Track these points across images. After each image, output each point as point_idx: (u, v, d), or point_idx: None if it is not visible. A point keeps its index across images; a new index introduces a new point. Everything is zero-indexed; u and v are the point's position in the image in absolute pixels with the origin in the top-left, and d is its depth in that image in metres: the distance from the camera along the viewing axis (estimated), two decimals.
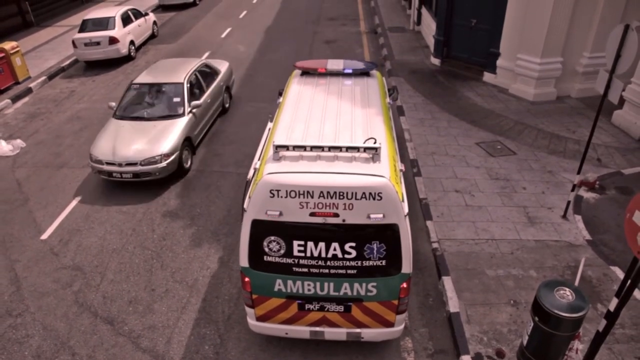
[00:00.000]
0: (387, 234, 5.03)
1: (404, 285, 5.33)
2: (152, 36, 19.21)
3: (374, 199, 4.85)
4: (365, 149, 4.98)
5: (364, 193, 4.82)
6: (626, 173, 9.42)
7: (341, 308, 5.57)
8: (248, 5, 24.32)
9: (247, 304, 5.70)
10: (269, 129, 6.56)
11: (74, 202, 9.26)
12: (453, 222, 8.11)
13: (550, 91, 12.44)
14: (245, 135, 11.32)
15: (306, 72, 7.63)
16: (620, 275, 6.92)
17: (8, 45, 14.87)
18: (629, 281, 4.38)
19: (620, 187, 9.04)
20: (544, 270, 7.05)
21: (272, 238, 5.15)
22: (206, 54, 17.01)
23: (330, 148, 5.00)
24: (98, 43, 15.95)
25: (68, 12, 24.10)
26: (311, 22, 20.62)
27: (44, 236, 8.42)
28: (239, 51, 17.25)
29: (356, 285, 5.36)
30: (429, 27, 16.38)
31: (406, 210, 5.10)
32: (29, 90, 14.82)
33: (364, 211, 4.90)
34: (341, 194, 4.83)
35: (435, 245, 7.61)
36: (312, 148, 5.00)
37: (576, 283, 5.35)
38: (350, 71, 7.49)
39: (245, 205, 5.15)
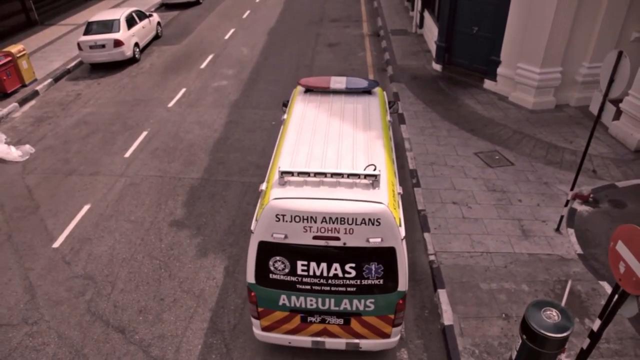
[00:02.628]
0: (385, 256, 5.37)
1: (400, 301, 5.72)
2: (157, 37, 19.40)
3: (372, 224, 5.18)
4: (366, 176, 5.30)
5: (363, 219, 5.15)
6: (620, 186, 9.66)
7: (341, 321, 5.96)
8: (251, 4, 24.44)
9: (253, 316, 6.08)
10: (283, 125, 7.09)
11: (83, 210, 9.56)
12: (450, 234, 8.40)
13: (550, 100, 12.65)
14: (250, 143, 11.58)
15: (310, 90, 7.90)
16: (609, 290, 7.21)
17: (15, 48, 15.10)
18: (612, 304, 4.69)
19: (613, 200, 9.30)
20: (536, 284, 7.35)
21: (278, 258, 5.49)
22: (210, 57, 17.23)
23: (333, 174, 5.32)
24: (103, 46, 16.17)
25: (72, 10, 24.19)
26: (314, 23, 20.75)
27: (56, 244, 8.73)
28: (243, 54, 17.45)
29: (355, 301, 5.73)
30: (431, 31, 16.57)
31: (403, 234, 5.42)
32: (35, 93, 15.06)
33: (363, 235, 5.23)
34: (342, 219, 5.17)
35: (432, 257, 7.91)
36: (316, 174, 5.32)
37: (563, 303, 5.65)
38: (355, 87, 7.77)
39: (252, 228, 5.49)
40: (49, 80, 15.79)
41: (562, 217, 8.47)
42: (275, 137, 11.42)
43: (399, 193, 5.94)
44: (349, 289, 5.63)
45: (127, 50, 16.53)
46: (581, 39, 12.10)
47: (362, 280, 5.56)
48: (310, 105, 7.35)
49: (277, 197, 5.24)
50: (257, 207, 5.73)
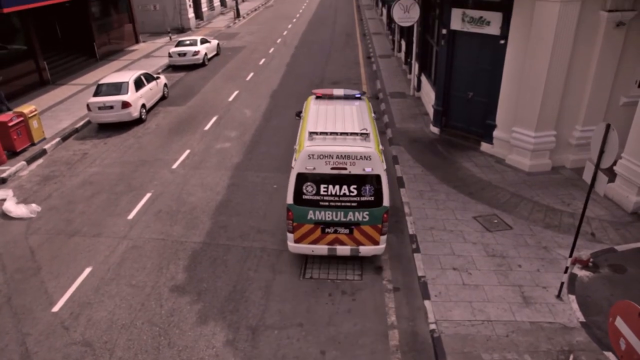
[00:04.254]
0: (374, 180, 8.59)
1: (385, 215, 8.80)
2: (163, 98, 20.03)
3: (366, 159, 8.48)
4: (361, 134, 8.75)
5: (360, 156, 8.46)
6: (619, 250, 9.73)
7: (347, 231, 8.95)
8: (255, 67, 25.35)
9: (288, 230, 9.09)
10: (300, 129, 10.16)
11: (85, 273, 9.59)
12: (450, 302, 8.39)
13: (545, 162, 12.93)
14: (252, 207, 11.75)
15: (319, 97, 11.14)
16: None
17: (27, 109, 15.60)
18: None
19: (613, 264, 9.33)
20: (538, 355, 7.27)
21: (308, 183, 8.67)
22: (214, 118, 17.74)
23: (341, 133, 8.81)
24: (111, 107, 16.70)
25: (83, 70, 25.02)
26: (315, 85, 21.43)
27: (55, 308, 8.70)
28: (246, 116, 17.98)
29: (356, 213, 8.79)
30: (428, 94, 17.13)
31: (384, 167, 8.72)
32: (43, 152, 15.40)
33: (361, 166, 8.50)
34: (348, 156, 8.46)
35: (432, 326, 7.87)
36: (331, 133, 8.81)
37: None
38: (350, 94, 11.12)
39: (293, 165, 8.81)
40: (57, 139, 16.18)
41: (562, 283, 8.49)
42: (277, 201, 11.87)
43: (381, 148, 9.27)
44: (352, 204, 8.71)
45: (134, 112, 17.05)
46: (573, 103, 12.56)
47: (361, 197, 8.68)
48: (321, 105, 10.59)
49: (309, 145, 8.58)
50: (295, 154, 9.05)
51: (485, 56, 13.47)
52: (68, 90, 21.67)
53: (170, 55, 25.09)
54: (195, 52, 24.96)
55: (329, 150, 8.46)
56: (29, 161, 14.76)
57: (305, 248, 9.19)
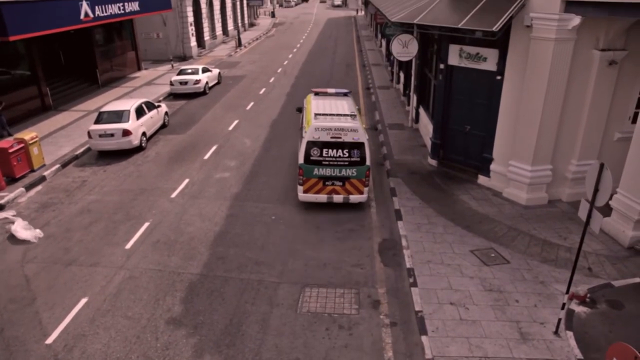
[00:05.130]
0: (360, 146, 12.18)
1: (367, 172, 12.45)
2: (163, 126, 20.21)
3: (354, 132, 12.11)
4: (350, 115, 12.65)
5: (351, 129, 12.10)
6: (616, 285, 9.74)
7: (341, 183, 12.55)
8: (255, 96, 25.67)
9: (299, 184, 12.69)
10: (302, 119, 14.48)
11: (80, 304, 9.53)
12: (448, 337, 8.35)
13: (542, 196, 13.04)
14: (249, 238, 11.76)
15: (317, 93, 15.24)
16: None
17: (28, 135, 15.71)
18: None
19: (611, 300, 9.33)
20: None
21: (314, 148, 12.22)
22: (214, 147, 17.89)
23: (337, 115, 12.70)
24: (112, 135, 16.84)
25: (85, 97, 25.21)
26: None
27: (49, 340, 8.61)
28: (245, 145, 18.14)
29: (348, 170, 12.37)
30: (426, 127, 17.36)
31: (367, 137, 12.40)
32: (42, 179, 15.44)
33: (351, 136, 12.09)
34: (342, 129, 12.08)
35: None
36: (330, 115, 12.68)
37: None
38: (340, 92, 15.34)
39: (303, 135, 12.40)
40: (57, 165, 16.25)
41: (559, 319, 8.47)
42: (275, 232, 12.00)
43: (365, 126, 13.93)
44: (345, 163, 12.32)
45: (135, 140, 17.19)
46: (568, 138, 12.76)
47: (351, 158, 12.30)
48: (319, 99, 14.52)
49: (316, 122, 12.30)
50: (305, 127, 12.62)
51: (482, 91, 13.74)
52: (69, 117, 21.85)
53: (171, 84, 25.44)
54: (196, 80, 25.32)
55: (330, 125, 12.24)
56: (28, 188, 14.79)
57: (311, 197, 12.80)
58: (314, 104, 13.83)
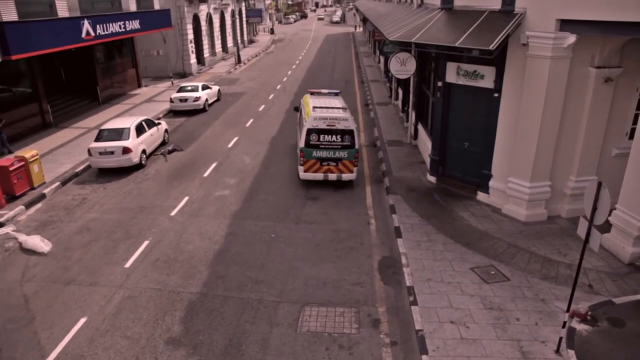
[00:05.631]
0: (350, 132, 14.72)
1: (356, 154, 14.91)
2: (163, 143, 20.30)
3: (345, 121, 14.75)
4: (342, 109, 15.51)
5: (342, 119, 14.76)
6: (617, 302, 9.71)
7: (335, 164, 14.91)
8: (255, 113, 25.82)
9: (300, 164, 15.18)
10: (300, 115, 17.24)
11: (79, 323, 9.48)
12: (448, 356, 8.30)
13: (541, 212, 13.06)
14: (250, 257, 11.74)
15: (313, 93, 18.01)
16: None
17: (29, 153, 15.76)
18: None
19: (612, 318, 9.29)
20: None
21: (313, 134, 14.71)
22: (213, 165, 17.95)
23: (331, 108, 15.52)
24: (112, 152, 16.90)
25: (85, 114, 25.29)
26: None
27: None
28: (245, 163, 18.20)
29: (340, 152, 14.79)
30: (425, 143, 17.44)
31: (355, 126, 14.96)
32: (42, 196, 15.46)
33: (343, 125, 14.65)
34: (336, 119, 14.72)
35: None
36: (326, 108, 15.49)
37: None
38: (332, 92, 18.22)
39: (304, 124, 14.90)
40: (57, 183, 16.27)
41: (560, 338, 8.43)
42: (275, 251, 11.97)
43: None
44: (337, 146, 14.76)
45: (135, 157, 17.25)
46: (566, 155, 12.83)
47: (343, 142, 14.73)
48: (315, 97, 17.27)
49: (314, 113, 14.87)
50: (305, 118, 15.15)
51: (480, 108, 13.84)
52: (70, 134, 21.94)
53: (171, 101, 25.61)
54: (196, 98, 25.50)
55: (326, 115, 14.90)
56: (28, 206, 14.80)
57: (310, 175, 15.41)
58: (311, 101, 16.56)
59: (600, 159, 13.01)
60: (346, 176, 15.25)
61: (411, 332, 9.05)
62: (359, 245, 12.21)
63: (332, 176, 15.18)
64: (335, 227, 13.11)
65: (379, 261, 11.53)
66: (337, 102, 16.48)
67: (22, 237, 12.66)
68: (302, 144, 14.99)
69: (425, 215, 13.37)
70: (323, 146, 14.88)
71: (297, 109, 18.73)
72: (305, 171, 15.25)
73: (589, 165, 12.95)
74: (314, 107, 15.48)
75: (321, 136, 14.78)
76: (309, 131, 14.80)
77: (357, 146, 14.92)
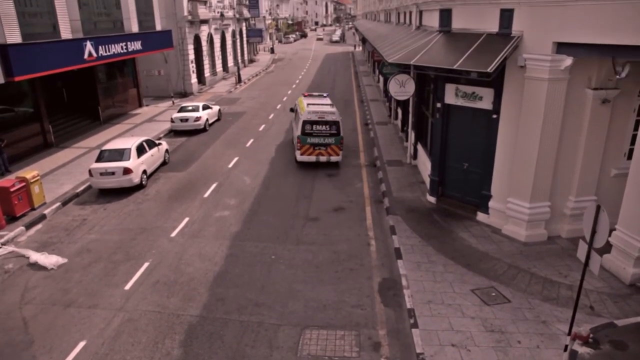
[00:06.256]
0: (337, 123, 19.01)
1: (341, 140, 19.34)
2: (164, 163, 20.39)
3: (333, 114, 19.17)
4: (330, 105, 20.38)
5: (330, 112, 19.24)
6: (619, 324, 9.65)
7: (324, 148, 19.15)
8: (255, 133, 25.96)
9: (297, 149, 19.41)
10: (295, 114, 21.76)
11: (78, 347, 9.41)
12: None
13: (541, 233, 13.07)
14: (250, 279, 11.71)
15: (306, 95, 22.54)
16: None
17: (30, 174, 15.81)
18: None
19: (614, 340, 9.23)
20: None
21: (307, 124, 18.87)
22: (214, 185, 18.01)
23: (321, 104, 20.26)
24: (113, 173, 16.96)
25: (87, 133, 25.42)
26: None
27: None
28: (245, 183, 18.26)
29: (329, 139, 19.07)
30: (424, 164, 17.52)
31: (341, 118, 19.38)
32: (43, 217, 15.47)
33: (330, 117, 19.00)
34: (325, 112, 19.18)
35: None
36: (317, 104, 20.16)
37: None
38: (321, 95, 23.05)
39: (300, 116, 19.18)
40: (58, 204, 16.29)
41: None
42: (276, 273, 11.94)
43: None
44: (326, 133, 18.99)
45: (135, 178, 17.31)
46: (565, 175, 12.89)
47: (330, 131, 18.97)
48: (308, 98, 21.59)
49: (308, 109, 19.32)
50: (300, 111, 19.81)
51: (479, 129, 13.95)
52: (71, 154, 22.05)
53: (172, 121, 25.79)
54: (197, 117, 25.68)
55: (317, 110, 19.11)
56: (28, 226, 14.81)
57: (305, 157, 19.32)
58: (305, 101, 21.01)
59: (600, 179, 13.06)
60: (334, 158, 19.42)
61: (412, 355, 8.99)
62: (359, 267, 12.19)
63: (323, 158, 19.36)
64: (336, 248, 13.10)
65: (380, 283, 11.50)
66: (326, 100, 21.32)
67: (32, 254, 12.93)
68: (298, 132, 19.00)
69: (425, 236, 13.37)
70: (315, 134, 18.91)
71: (293, 109, 23.22)
72: (301, 154, 19.34)
73: (588, 185, 13.00)
74: (308, 104, 19.90)
75: (314, 126, 18.81)
76: (305, 122, 18.80)
77: (342, 134, 19.26)
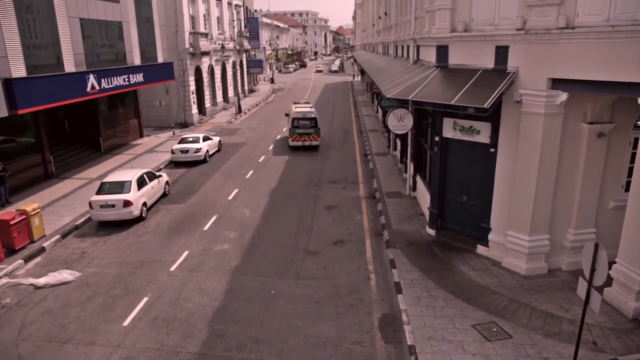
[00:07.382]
0: (315, 119, 29.26)
1: (319, 131, 29.42)
2: (164, 195, 20.44)
3: (312, 113, 29.68)
4: (310, 107, 32.19)
5: (310, 112, 29.78)
6: None
7: (308, 136, 29.04)
8: (255, 164, 26.13)
9: (289, 138, 29.27)
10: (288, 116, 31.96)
11: None
12: None
13: (542, 266, 13.03)
14: (249, 315, 11.60)
15: (295, 103, 35.22)
16: None
17: (30, 207, 15.86)
18: None
19: None
20: None
21: (295, 120, 29.06)
22: (213, 218, 18.02)
23: (306, 108, 31.16)
24: (113, 205, 17.00)
25: (87, 164, 25.57)
26: (313, 184, 22.01)
27: None
28: (245, 215, 18.27)
29: (310, 130, 29.05)
30: (424, 195, 17.59)
31: (317, 115, 29.97)
32: (42, 250, 15.44)
33: (311, 114, 29.39)
34: (307, 112, 29.86)
35: None
36: (302, 108, 31.22)
37: None
38: (307, 103, 35.36)
39: (290, 114, 30.13)
40: (57, 236, 16.28)
41: None
42: (275, 308, 11.84)
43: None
44: (308, 126, 29.02)
45: (135, 210, 17.35)
46: (564, 208, 12.93)
47: (311, 124, 29.07)
48: (298, 106, 32.33)
49: (296, 109, 30.44)
50: (291, 113, 29.89)
51: (477, 162, 14.08)
52: (71, 185, 22.14)
53: (173, 152, 26.00)
54: (197, 149, 25.90)
55: (302, 111, 29.55)
56: (27, 259, 14.77)
57: (295, 143, 28.74)
58: (295, 107, 30.96)
59: (598, 212, 13.11)
60: (315, 143, 28.83)
61: None
62: (359, 302, 12.11)
63: (307, 143, 28.69)
64: (335, 283, 13.04)
65: (380, 318, 11.41)
66: (309, 106, 31.69)
67: (37, 280, 13.36)
68: (290, 126, 28.99)
69: (425, 270, 13.33)
70: (301, 127, 28.59)
71: (287, 114, 32.28)
72: (292, 141, 28.79)
73: (587, 218, 13.04)
74: (296, 107, 30.73)
75: (300, 121, 28.59)
76: (294, 119, 28.59)
77: (318, 126, 28.95)
